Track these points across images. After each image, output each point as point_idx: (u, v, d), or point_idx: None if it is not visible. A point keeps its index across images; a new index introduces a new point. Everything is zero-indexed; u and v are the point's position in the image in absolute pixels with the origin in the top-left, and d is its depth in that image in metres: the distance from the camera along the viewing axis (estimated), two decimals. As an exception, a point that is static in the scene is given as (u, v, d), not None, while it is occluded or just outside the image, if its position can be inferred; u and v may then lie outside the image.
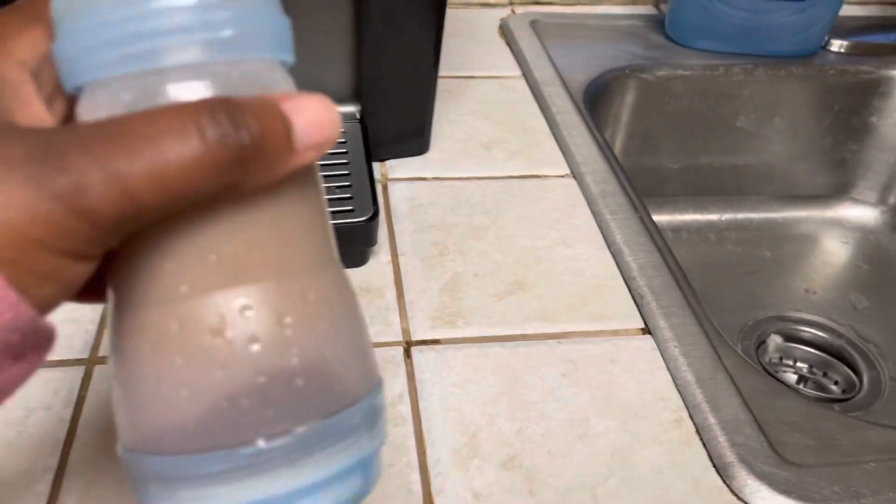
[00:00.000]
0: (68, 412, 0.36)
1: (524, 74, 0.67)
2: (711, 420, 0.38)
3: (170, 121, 0.16)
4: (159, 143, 0.16)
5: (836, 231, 0.76)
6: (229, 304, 0.18)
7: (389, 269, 0.46)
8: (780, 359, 0.66)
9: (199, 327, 0.18)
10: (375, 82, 0.50)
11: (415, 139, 0.55)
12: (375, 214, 0.44)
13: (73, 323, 0.40)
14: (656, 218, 0.67)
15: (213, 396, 0.18)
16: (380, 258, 0.46)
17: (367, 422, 0.20)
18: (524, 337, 0.42)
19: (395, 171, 0.54)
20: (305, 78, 0.50)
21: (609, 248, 0.48)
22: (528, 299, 0.44)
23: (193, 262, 0.18)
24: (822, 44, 0.72)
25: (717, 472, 0.36)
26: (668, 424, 0.38)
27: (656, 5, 0.80)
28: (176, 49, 0.17)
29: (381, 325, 0.42)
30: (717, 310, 0.66)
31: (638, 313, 0.44)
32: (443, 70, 0.52)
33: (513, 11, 0.77)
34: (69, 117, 0.20)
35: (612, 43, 0.73)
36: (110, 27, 0.17)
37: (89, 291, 0.19)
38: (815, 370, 0.65)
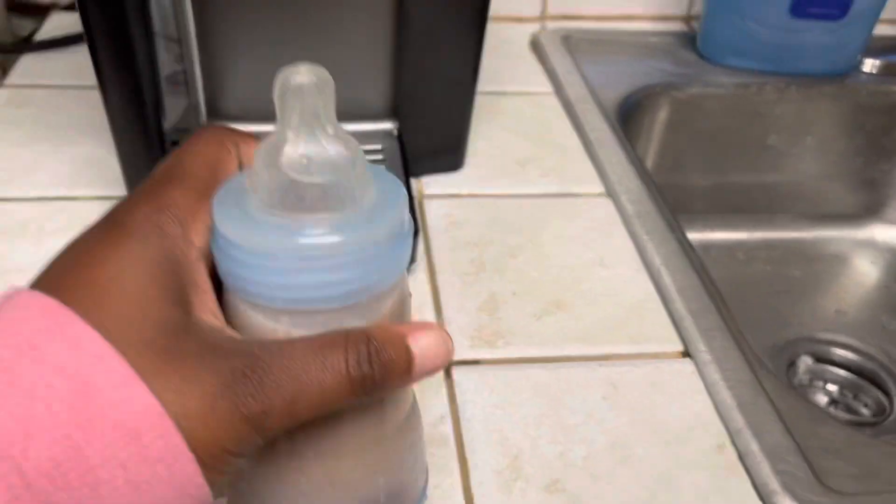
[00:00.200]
0: None
1: (556, 91, 0.67)
2: (754, 446, 0.37)
3: (327, 355, 0.20)
4: (320, 376, 0.19)
5: (866, 251, 0.75)
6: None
7: (427, 286, 0.46)
8: (811, 380, 0.65)
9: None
10: (414, 99, 0.50)
11: (450, 155, 0.55)
12: (417, 232, 0.44)
13: None
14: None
15: None
16: (417, 275, 0.46)
17: None
18: (564, 359, 0.42)
19: (430, 186, 0.54)
20: (346, 95, 0.50)
21: (647, 268, 0.48)
22: (566, 320, 0.44)
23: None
24: (855, 63, 0.72)
25: (762, 499, 0.35)
26: (711, 450, 0.38)
27: (687, 22, 0.80)
28: (325, 296, 0.21)
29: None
30: (747, 329, 0.66)
31: (677, 336, 0.44)
32: (477, 86, 0.52)
33: (543, 27, 0.78)
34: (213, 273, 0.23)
35: (644, 59, 0.73)
36: (271, 269, 0.20)
37: None
38: (845, 392, 0.65)
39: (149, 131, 0.41)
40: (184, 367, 0.19)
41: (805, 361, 0.65)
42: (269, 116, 0.51)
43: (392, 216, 0.21)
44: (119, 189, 0.50)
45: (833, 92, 0.70)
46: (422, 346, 0.21)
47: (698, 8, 0.79)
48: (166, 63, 0.44)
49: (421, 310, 0.44)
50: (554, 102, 0.65)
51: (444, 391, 0.39)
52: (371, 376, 0.20)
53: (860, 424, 0.62)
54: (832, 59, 0.70)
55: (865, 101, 0.71)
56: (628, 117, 0.65)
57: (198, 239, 0.22)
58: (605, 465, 0.36)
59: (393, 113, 0.52)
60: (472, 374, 0.40)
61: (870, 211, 0.76)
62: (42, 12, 0.72)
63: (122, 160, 0.43)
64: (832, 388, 0.65)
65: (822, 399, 0.65)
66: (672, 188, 0.71)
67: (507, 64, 0.70)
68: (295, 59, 0.57)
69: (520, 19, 0.78)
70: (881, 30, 0.74)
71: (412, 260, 0.45)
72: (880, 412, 0.63)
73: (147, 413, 0.18)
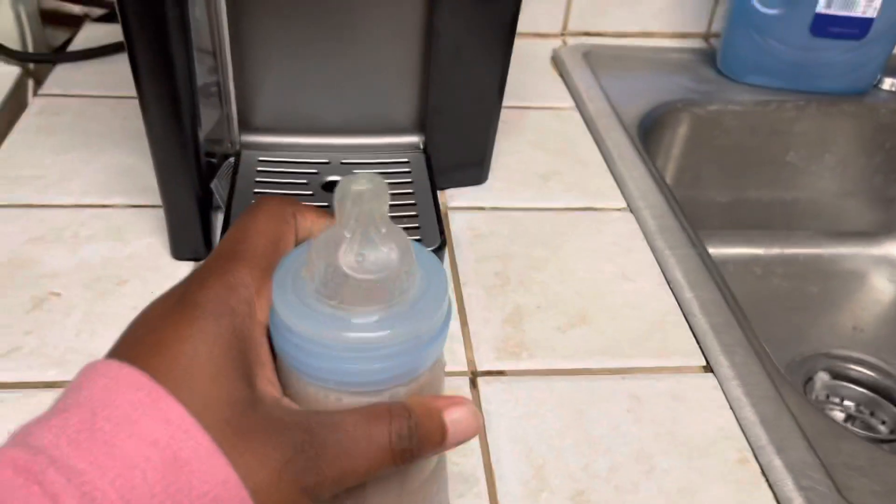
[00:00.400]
0: None
1: (577, 105, 0.68)
2: (777, 462, 0.38)
3: (373, 431, 0.22)
4: (367, 449, 0.22)
5: (883, 268, 0.75)
6: None
7: (452, 298, 0.46)
8: (827, 396, 0.66)
9: None
10: (440, 113, 0.51)
11: (474, 169, 0.56)
12: (443, 244, 0.45)
13: None
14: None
15: None
16: (443, 287, 0.47)
17: None
18: (588, 371, 0.42)
19: (454, 199, 0.55)
20: (374, 108, 0.51)
21: (669, 283, 0.49)
22: (590, 333, 0.45)
23: None
24: (875, 82, 0.72)
25: (785, 514, 0.36)
26: (734, 464, 0.38)
27: (706, 39, 0.81)
28: (373, 381, 0.23)
29: (446, 355, 0.43)
30: (764, 344, 0.66)
31: (699, 350, 0.44)
32: (501, 101, 0.53)
33: (564, 42, 0.79)
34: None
35: (663, 75, 0.73)
36: (324, 356, 0.22)
37: None
38: (862, 409, 0.65)
39: (185, 141, 0.42)
40: (253, 443, 0.21)
41: (822, 378, 0.66)
42: (297, 129, 0.53)
43: (435, 308, 0.24)
44: (152, 198, 0.51)
45: (852, 110, 0.71)
46: (454, 419, 0.24)
47: (717, 25, 0.80)
48: (199, 74, 0.45)
49: (447, 321, 0.45)
50: (575, 117, 0.66)
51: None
52: (410, 449, 0.23)
53: (877, 441, 0.62)
54: (852, 78, 0.71)
55: (885, 120, 0.71)
56: (648, 133, 0.66)
57: (262, 315, 0.24)
58: (630, 477, 0.37)
59: (420, 126, 0.53)
60: (498, 385, 0.41)
61: (887, 228, 0.76)
62: (75, 23, 0.74)
63: (157, 169, 0.44)
64: (849, 404, 0.65)
65: (839, 416, 0.65)
66: (690, 203, 0.72)
67: (528, 79, 0.71)
68: (325, 73, 0.58)
69: (541, 35, 0.79)
70: (901, 49, 0.74)
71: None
72: (898, 429, 0.63)
73: (227, 484, 0.20)
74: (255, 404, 0.22)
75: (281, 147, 0.52)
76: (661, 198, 0.56)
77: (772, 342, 0.67)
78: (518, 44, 0.50)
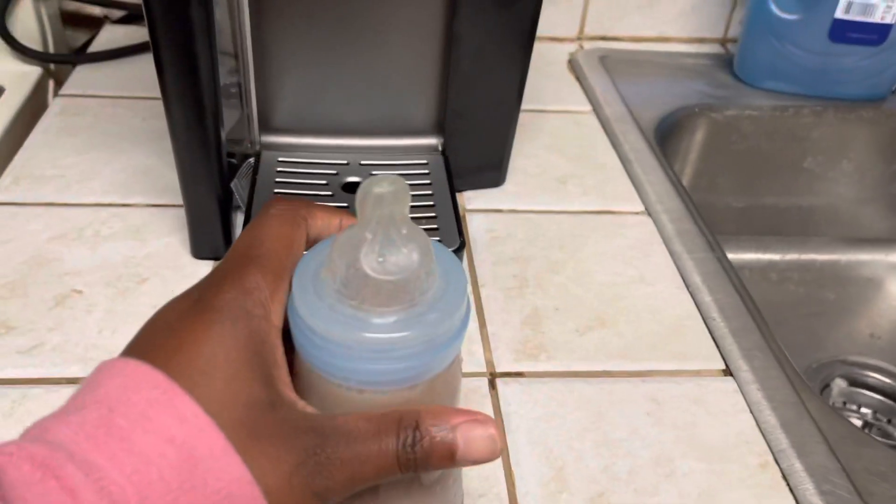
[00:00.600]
0: None
1: (594, 110, 0.68)
2: (798, 466, 0.38)
3: (382, 438, 0.22)
4: (375, 456, 0.22)
5: (901, 276, 0.75)
6: None
7: (471, 299, 0.46)
8: (844, 403, 0.65)
9: None
10: (460, 117, 0.51)
11: (493, 172, 0.56)
12: (462, 246, 0.45)
13: None
14: (721, 256, 0.67)
15: None
16: (461, 288, 0.47)
17: None
18: (607, 374, 0.42)
19: (472, 202, 0.55)
20: (394, 110, 0.52)
21: (687, 287, 0.49)
22: (609, 336, 0.45)
23: None
24: (893, 88, 0.72)
25: (806, 519, 0.36)
26: (754, 468, 0.38)
27: (723, 44, 0.81)
28: (391, 380, 0.23)
29: (465, 355, 0.43)
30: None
31: (718, 354, 0.44)
32: (519, 105, 0.53)
33: (581, 46, 0.79)
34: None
35: (680, 80, 0.73)
36: (344, 356, 0.23)
37: None
38: (879, 416, 0.65)
39: (207, 141, 0.43)
40: (267, 446, 0.21)
41: (839, 384, 0.65)
42: (317, 130, 0.53)
43: (455, 308, 0.24)
44: (171, 197, 0.51)
45: (870, 116, 0.71)
46: (468, 438, 0.23)
47: (734, 31, 0.80)
48: (220, 75, 0.45)
49: (465, 322, 0.45)
50: (592, 121, 0.66)
51: (488, 402, 0.40)
52: (414, 460, 0.23)
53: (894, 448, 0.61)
54: (870, 84, 0.70)
55: (903, 126, 0.71)
56: (665, 137, 0.66)
57: (276, 318, 0.24)
58: (650, 480, 0.37)
59: (439, 129, 0.53)
60: (516, 387, 0.41)
61: (905, 235, 0.76)
62: (96, 25, 0.75)
63: (179, 168, 0.44)
64: (866, 411, 0.65)
65: (856, 423, 0.64)
66: (707, 208, 0.72)
67: (545, 83, 0.71)
68: (345, 75, 0.58)
69: (558, 39, 0.79)
70: (919, 55, 0.74)
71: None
72: (915, 437, 0.62)
73: (240, 482, 0.20)
74: (270, 407, 0.22)
75: (301, 148, 0.52)
76: (679, 202, 0.56)
77: (788, 349, 0.66)
78: (535, 48, 0.50)
